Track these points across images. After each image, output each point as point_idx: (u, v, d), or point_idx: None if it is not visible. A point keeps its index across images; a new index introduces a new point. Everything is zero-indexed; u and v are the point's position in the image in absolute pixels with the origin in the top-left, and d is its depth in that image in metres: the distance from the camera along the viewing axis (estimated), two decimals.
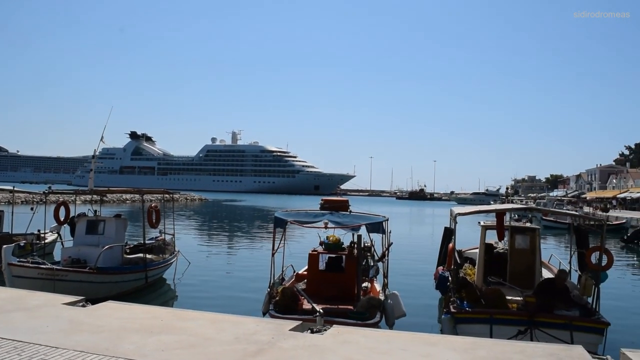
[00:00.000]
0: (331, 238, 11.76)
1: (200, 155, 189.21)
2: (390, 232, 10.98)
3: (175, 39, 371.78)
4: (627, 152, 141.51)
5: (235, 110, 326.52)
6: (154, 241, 17.76)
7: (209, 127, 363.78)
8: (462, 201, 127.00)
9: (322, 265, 11.33)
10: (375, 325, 8.94)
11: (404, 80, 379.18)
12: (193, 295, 14.87)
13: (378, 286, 11.56)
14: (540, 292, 9.84)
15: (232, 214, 61.01)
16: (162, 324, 7.14)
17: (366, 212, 11.44)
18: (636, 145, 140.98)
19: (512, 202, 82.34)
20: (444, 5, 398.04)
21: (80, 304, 8.30)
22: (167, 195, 20.31)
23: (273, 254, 10.68)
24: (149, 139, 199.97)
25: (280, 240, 11.10)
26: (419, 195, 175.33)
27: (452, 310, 9.57)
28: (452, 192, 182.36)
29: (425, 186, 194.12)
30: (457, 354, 5.98)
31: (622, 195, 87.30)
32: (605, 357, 6.14)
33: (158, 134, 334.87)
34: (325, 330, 7.08)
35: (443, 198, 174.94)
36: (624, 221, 46.71)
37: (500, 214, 11.56)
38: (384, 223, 10.45)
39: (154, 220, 17.36)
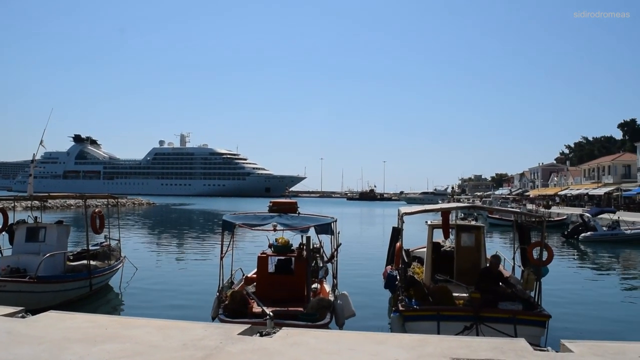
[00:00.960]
0: (280, 240, 11.72)
1: (148, 158, 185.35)
2: (339, 233, 11.05)
3: (121, 41, 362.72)
4: (567, 151, 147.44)
5: (184, 112, 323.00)
6: (98, 247, 17.24)
7: (157, 130, 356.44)
8: (412, 201, 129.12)
9: (271, 268, 11.28)
10: (326, 326, 8.96)
11: (355, 81, 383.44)
12: (140, 302, 14.52)
13: (328, 287, 11.60)
14: (481, 282, 10.13)
15: (180, 218, 60.04)
16: (107, 332, 6.93)
17: (315, 214, 11.47)
18: (575, 144, 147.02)
19: (458, 201, 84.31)
20: (388, 3, 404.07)
21: (20, 315, 7.94)
22: (112, 200, 19.73)
23: (222, 258, 10.56)
24: (94, 142, 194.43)
25: (229, 244, 10.99)
26: (369, 196, 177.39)
27: (401, 308, 9.70)
28: (401, 192, 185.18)
29: (375, 187, 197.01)
30: (405, 351, 6.05)
31: (562, 193, 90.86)
32: (546, 349, 6.35)
33: (104, 138, 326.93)
34: (275, 333, 7.03)
35: (393, 198, 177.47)
36: (564, 217, 48.58)
37: (445, 213, 11.81)
38: (332, 224, 10.50)
39: (97, 226, 16.83)
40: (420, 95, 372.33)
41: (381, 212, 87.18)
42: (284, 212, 10.76)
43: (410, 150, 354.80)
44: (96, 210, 17.29)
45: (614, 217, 37.11)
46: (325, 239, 11.65)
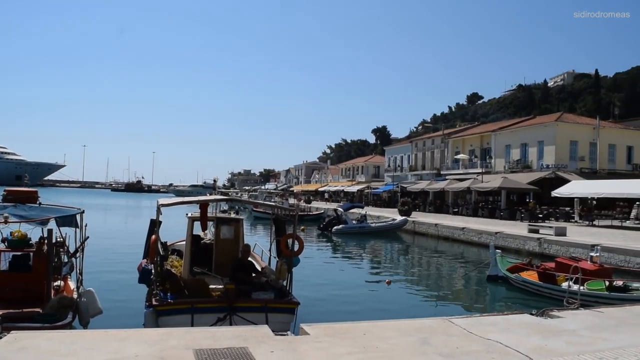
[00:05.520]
0: (16, 234, 10.45)
1: None
2: (86, 226, 10.26)
3: None
4: (328, 151, 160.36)
5: None
6: None
7: None
8: (180, 193, 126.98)
9: (4, 265, 10.00)
10: (67, 326, 8.25)
11: (121, 66, 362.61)
12: None
13: (73, 284, 10.69)
14: (235, 273, 10.36)
15: None
16: None
17: (58, 205, 10.46)
18: (336, 145, 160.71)
19: (227, 195, 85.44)
20: None
21: None
22: None
23: None
24: None
25: None
26: (136, 187, 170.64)
27: (154, 303, 9.41)
28: (170, 185, 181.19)
29: (143, 178, 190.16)
30: (148, 346, 5.85)
31: (323, 189, 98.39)
32: (286, 333, 6.73)
33: None
34: (1, 338, 6.21)
35: (161, 190, 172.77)
36: (322, 212, 52.64)
37: (204, 205, 11.79)
38: (77, 216, 9.69)
39: None
40: (192, 86, 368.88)
41: (149, 204, 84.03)
42: (21, 202, 9.60)
43: (181, 141, 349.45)
44: None
45: (362, 212, 41.45)
46: (74, 232, 10.73)
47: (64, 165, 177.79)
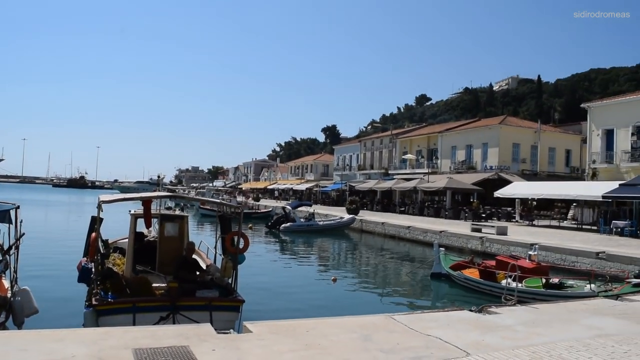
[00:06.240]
0: None
1: None
2: (21, 222, 9.87)
3: None
4: (278, 149, 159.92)
5: None
6: None
7: None
8: (126, 190, 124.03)
9: None
10: (0, 327, 7.92)
11: (66, 57, 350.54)
12: None
13: (7, 283, 10.26)
14: (178, 271, 10.20)
15: None
16: None
17: None
18: (286, 143, 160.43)
19: (173, 192, 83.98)
20: None
21: None
22: None
23: None
24: None
25: None
26: (79, 183, 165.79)
27: (94, 302, 9.14)
28: (115, 181, 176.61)
29: (86, 173, 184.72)
30: (85, 346, 5.69)
31: (272, 187, 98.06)
32: (229, 331, 6.68)
33: None
34: None
35: (106, 186, 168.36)
36: (270, 209, 52.48)
37: (147, 202, 11.54)
38: (11, 211, 9.31)
39: None
40: (139, 80, 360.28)
41: (92, 200, 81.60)
42: None
43: (127, 136, 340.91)
44: None
45: (311, 210, 41.58)
46: (7, 228, 10.29)
47: (1, 160, 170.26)
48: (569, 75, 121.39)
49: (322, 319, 7.72)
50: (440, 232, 28.96)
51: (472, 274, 16.84)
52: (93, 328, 6.89)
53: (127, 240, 12.81)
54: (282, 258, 26.23)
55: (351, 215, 39.89)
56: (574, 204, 38.12)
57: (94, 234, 10.35)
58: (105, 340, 5.94)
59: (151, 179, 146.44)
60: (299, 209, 41.29)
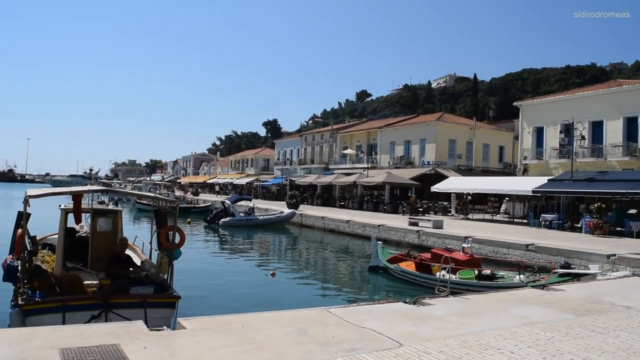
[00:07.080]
0: None
1: None
2: None
3: None
4: (218, 143, 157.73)
5: None
6: None
7: None
8: (58, 184, 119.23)
9: None
10: None
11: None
12: None
13: None
14: (111, 267, 9.91)
15: None
16: None
17: None
18: (226, 137, 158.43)
19: (109, 186, 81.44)
20: None
21: None
22: None
23: None
24: None
25: None
26: (7, 177, 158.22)
27: (20, 302, 8.73)
28: (47, 174, 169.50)
29: (15, 167, 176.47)
30: (8, 347, 5.44)
31: (211, 181, 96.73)
32: (162, 328, 6.55)
33: None
34: None
35: (37, 180, 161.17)
36: (209, 204, 51.77)
37: (77, 196, 11.12)
38: None
39: None
40: (73, 69, 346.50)
41: (21, 195, 77.82)
42: None
43: (59, 128, 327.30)
44: None
45: (250, 204, 41.29)
46: None
47: None
48: (503, 75, 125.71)
49: (257, 313, 7.70)
50: (379, 226, 29.42)
51: (409, 266, 17.21)
52: (18, 328, 6.59)
53: (57, 236, 12.33)
54: (221, 253, 25.94)
55: (291, 210, 39.89)
56: (506, 199, 39.63)
57: (19, 230, 9.88)
58: (30, 340, 5.71)
59: (85, 172, 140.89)
60: (239, 203, 40.96)
